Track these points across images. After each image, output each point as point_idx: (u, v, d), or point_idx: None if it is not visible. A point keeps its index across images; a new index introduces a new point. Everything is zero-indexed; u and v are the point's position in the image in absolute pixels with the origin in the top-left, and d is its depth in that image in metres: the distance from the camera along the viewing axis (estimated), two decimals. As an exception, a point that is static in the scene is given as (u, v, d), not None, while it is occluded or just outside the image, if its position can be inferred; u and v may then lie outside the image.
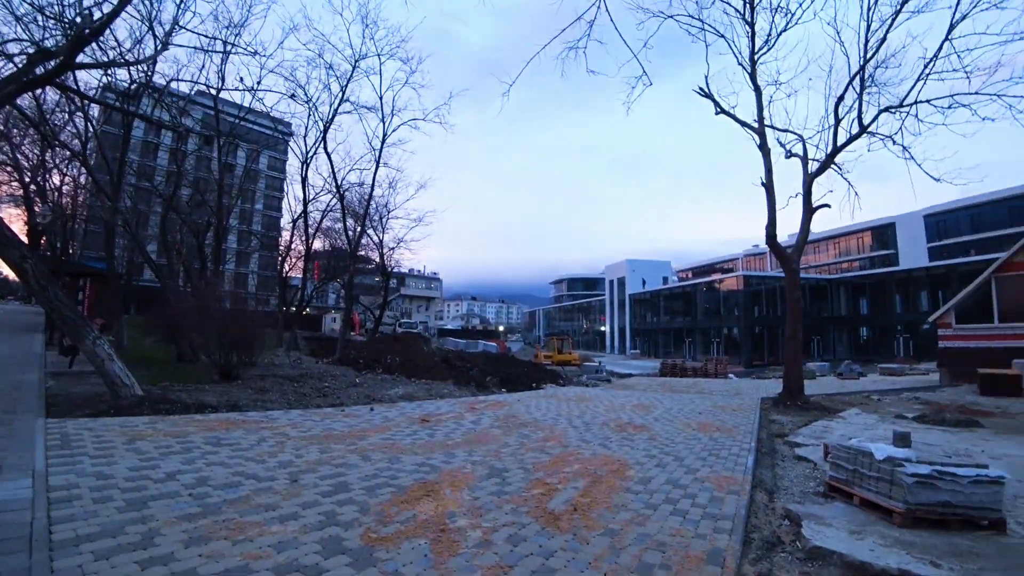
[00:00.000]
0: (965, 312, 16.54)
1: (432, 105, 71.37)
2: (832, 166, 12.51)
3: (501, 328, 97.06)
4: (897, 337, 37.80)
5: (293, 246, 30.19)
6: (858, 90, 11.80)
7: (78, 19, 7.56)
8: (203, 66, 29.71)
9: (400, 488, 4.40)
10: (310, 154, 24.72)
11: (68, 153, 19.23)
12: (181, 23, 9.67)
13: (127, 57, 9.82)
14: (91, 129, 17.61)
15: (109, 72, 13.47)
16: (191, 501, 3.77)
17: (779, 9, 11.96)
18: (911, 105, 11.39)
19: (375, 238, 26.97)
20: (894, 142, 11.80)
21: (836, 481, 4.84)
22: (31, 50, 8.05)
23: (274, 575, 2.78)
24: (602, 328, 64.43)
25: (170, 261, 18.69)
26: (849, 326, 42.96)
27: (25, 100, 14.40)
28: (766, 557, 3.53)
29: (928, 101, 11.23)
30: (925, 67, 10.98)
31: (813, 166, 12.62)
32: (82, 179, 23.35)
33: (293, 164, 45.39)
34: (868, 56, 11.48)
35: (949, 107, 11.05)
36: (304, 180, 25.09)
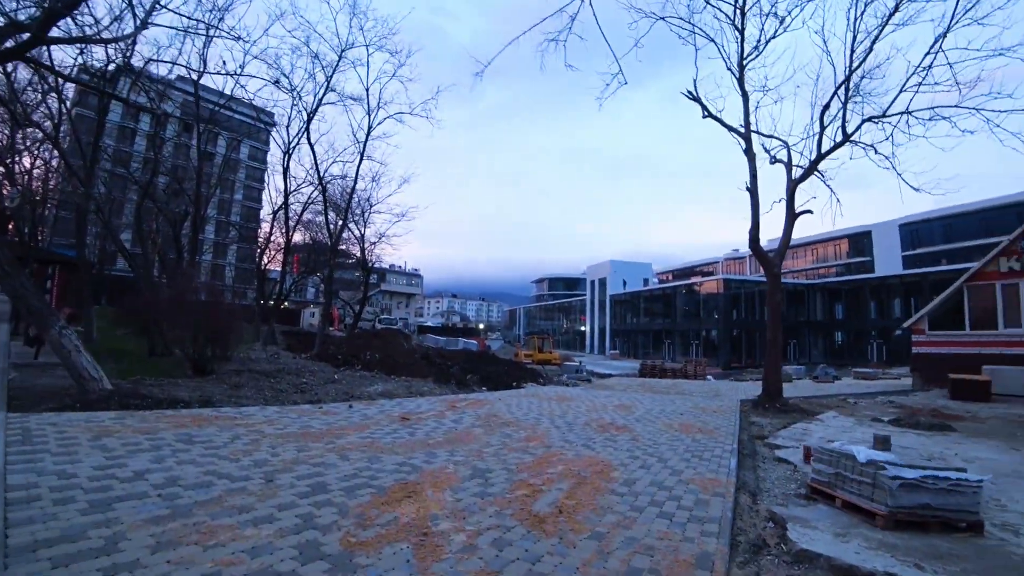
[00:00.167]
0: (938, 319, 17.04)
1: (419, 99, 70.70)
2: (815, 173, 12.71)
3: (481, 326, 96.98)
4: (871, 342, 38.76)
5: (273, 238, 29.69)
6: (843, 99, 12.02)
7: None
8: (182, 49, 29.08)
9: (380, 489, 4.28)
10: (293, 144, 24.29)
11: (40, 134, 18.44)
12: (162, 2, 9.26)
13: (104, 35, 9.38)
14: (64, 110, 16.92)
15: (85, 51, 12.91)
16: (159, 502, 3.58)
17: (769, 16, 12.11)
18: (894, 116, 11.65)
19: (356, 232, 26.60)
20: (876, 151, 12.07)
21: (818, 483, 4.87)
22: (1, 22, 7.63)
23: (247, 582, 2.64)
24: (582, 328, 64.69)
25: (144, 251, 18.07)
26: (825, 331, 43.87)
27: (-5, 76, 13.79)
28: (753, 560, 3.50)
29: (910, 112, 11.48)
30: (908, 78, 11.23)
31: (797, 172, 12.80)
32: (54, 162, 22.40)
33: (275, 154, 44.33)
34: (854, 66, 11.71)
35: (930, 119, 11.33)
36: (286, 171, 24.67)
